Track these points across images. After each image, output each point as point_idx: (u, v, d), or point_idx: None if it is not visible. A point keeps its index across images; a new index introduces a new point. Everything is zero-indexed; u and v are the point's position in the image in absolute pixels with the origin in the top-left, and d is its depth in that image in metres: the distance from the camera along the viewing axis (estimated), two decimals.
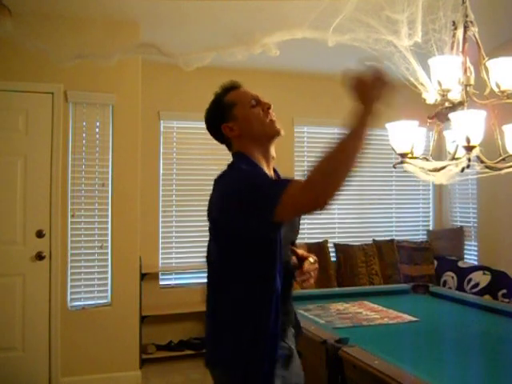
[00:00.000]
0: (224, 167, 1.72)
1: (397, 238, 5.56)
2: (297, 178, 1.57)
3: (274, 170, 1.79)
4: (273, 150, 1.75)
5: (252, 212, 1.48)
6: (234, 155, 1.76)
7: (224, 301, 1.62)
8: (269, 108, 1.72)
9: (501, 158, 2.26)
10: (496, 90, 2.22)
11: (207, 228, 1.67)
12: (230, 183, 1.59)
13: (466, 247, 5.47)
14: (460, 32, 2.32)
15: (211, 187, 1.67)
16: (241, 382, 1.56)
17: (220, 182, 1.65)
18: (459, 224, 5.58)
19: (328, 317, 2.46)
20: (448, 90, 2.27)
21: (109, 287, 4.02)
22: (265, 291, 1.55)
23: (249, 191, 1.50)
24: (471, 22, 2.30)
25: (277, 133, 1.74)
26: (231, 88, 1.76)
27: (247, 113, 1.71)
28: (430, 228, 5.86)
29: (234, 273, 1.60)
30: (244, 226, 1.52)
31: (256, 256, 1.56)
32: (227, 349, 1.59)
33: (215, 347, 1.63)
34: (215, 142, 1.88)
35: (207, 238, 1.69)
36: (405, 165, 2.31)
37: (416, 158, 2.36)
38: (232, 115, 1.72)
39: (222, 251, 1.64)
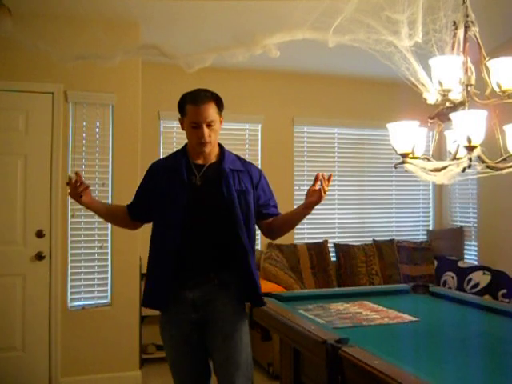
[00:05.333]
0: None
1: (397, 238, 5.56)
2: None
3: (222, 153, 2.36)
4: (200, 154, 2.32)
5: None
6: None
7: None
8: (201, 137, 2.23)
9: (502, 157, 2.26)
10: (497, 89, 2.22)
11: None
12: None
13: (466, 247, 5.48)
14: (461, 32, 2.32)
15: None
16: None
17: None
18: (459, 224, 5.58)
19: (328, 317, 2.45)
20: (449, 90, 2.27)
21: (109, 287, 4.02)
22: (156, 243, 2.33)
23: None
24: (472, 21, 2.30)
25: (198, 151, 2.30)
26: (194, 101, 2.24)
27: (186, 129, 2.29)
28: (430, 228, 5.86)
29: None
30: None
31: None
32: None
33: None
34: None
35: None
36: (406, 165, 2.31)
37: (417, 158, 2.36)
38: (183, 118, 2.31)
39: None
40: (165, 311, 2.29)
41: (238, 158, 2.42)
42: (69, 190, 2.30)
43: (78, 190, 2.26)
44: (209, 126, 2.23)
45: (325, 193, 2.15)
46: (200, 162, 2.32)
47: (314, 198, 2.16)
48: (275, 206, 2.42)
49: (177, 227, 2.21)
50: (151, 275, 2.32)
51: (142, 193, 2.43)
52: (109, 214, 2.50)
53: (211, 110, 2.24)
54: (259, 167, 2.52)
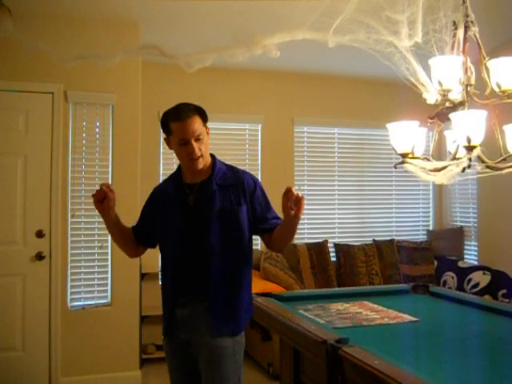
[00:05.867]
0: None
1: (397, 238, 5.56)
2: None
3: (214, 168, 2.22)
4: (193, 171, 2.19)
5: None
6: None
7: None
8: (191, 153, 2.11)
9: (501, 157, 2.26)
10: (497, 89, 2.22)
11: None
12: None
13: (466, 247, 5.48)
14: (460, 32, 2.32)
15: None
16: None
17: None
18: (459, 224, 5.59)
19: (328, 317, 2.46)
20: (449, 90, 2.27)
21: (109, 287, 4.02)
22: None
23: None
24: (472, 21, 2.30)
25: (191, 170, 2.18)
26: (177, 118, 2.12)
27: (175, 148, 2.18)
28: (430, 228, 5.86)
29: None
30: None
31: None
32: None
33: None
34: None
35: None
36: (405, 165, 2.31)
37: (417, 158, 2.36)
38: (168, 137, 2.19)
39: None
40: (165, 334, 2.25)
41: (231, 168, 2.28)
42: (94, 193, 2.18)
43: (100, 197, 2.15)
44: (197, 140, 2.12)
45: (297, 215, 2.01)
46: (193, 181, 2.20)
47: (290, 215, 2.02)
48: (275, 218, 2.22)
49: (173, 253, 2.18)
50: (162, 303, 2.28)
51: (144, 216, 2.36)
52: (117, 229, 2.30)
53: (197, 124, 2.12)
54: (258, 176, 2.40)
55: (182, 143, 2.12)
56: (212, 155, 2.27)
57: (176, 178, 2.27)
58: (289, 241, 2.23)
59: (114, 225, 2.26)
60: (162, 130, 2.22)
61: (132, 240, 2.32)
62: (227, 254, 2.14)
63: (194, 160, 2.13)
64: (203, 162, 2.16)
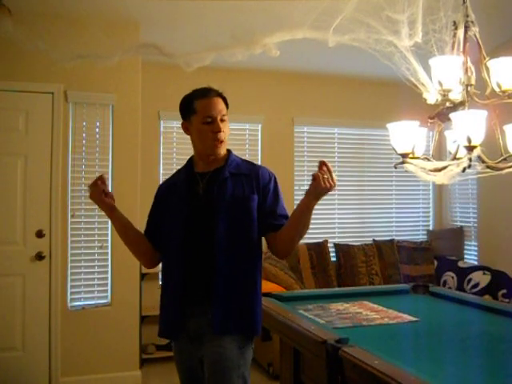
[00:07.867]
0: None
1: (397, 238, 5.56)
2: None
3: (228, 159, 2.11)
4: (214, 156, 2.07)
5: None
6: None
7: None
8: (217, 132, 2.01)
9: (502, 157, 2.26)
10: (497, 89, 2.22)
11: None
12: None
13: (466, 247, 5.48)
14: (461, 32, 2.32)
15: None
16: None
17: None
18: (459, 224, 5.58)
19: (328, 317, 2.46)
20: (449, 90, 2.27)
21: (109, 287, 4.02)
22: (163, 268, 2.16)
23: None
24: (472, 21, 2.31)
25: (212, 154, 2.06)
26: (205, 95, 2.05)
27: (197, 127, 2.04)
28: (430, 228, 5.86)
29: None
30: None
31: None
32: None
33: None
34: None
35: None
36: (406, 165, 2.31)
37: (417, 158, 2.36)
38: (190, 119, 2.07)
39: None
40: (175, 341, 2.08)
41: (247, 161, 2.17)
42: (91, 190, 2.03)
43: (100, 189, 2.01)
44: (222, 121, 2.03)
45: (328, 183, 2.02)
46: (205, 169, 2.08)
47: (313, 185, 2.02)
48: (284, 217, 2.07)
49: (178, 245, 2.01)
50: (160, 303, 2.11)
51: (153, 216, 2.22)
52: (126, 231, 2.17)
53: (222, 105, 2.06)
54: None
55: (207, 121, 2.01)
56: (227, 149, 2.15)
57: (187, 168, 2.15)
58: (296, 233, 2.02)
59: (120, 225, 2.14)
60: (180, 114, 2.10)
61: (146, 246, 2.16)
62: (235, 245, 1.99)
63: (218, 142, 2.02)
64: (223, 149, 2.07)
